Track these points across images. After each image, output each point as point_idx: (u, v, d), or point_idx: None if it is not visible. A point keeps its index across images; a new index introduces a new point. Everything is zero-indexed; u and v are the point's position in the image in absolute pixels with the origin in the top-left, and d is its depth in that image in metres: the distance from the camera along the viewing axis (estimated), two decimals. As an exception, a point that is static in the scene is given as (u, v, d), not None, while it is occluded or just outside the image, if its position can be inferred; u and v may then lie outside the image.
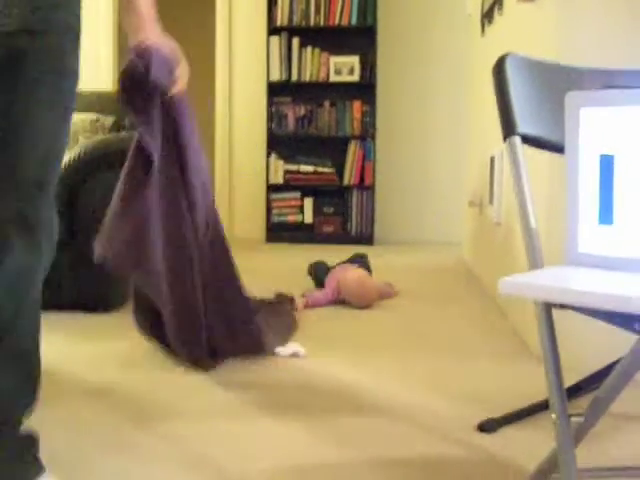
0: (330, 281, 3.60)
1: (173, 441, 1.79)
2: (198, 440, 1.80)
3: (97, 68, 6.17)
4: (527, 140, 1.26)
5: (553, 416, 1.05)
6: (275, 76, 6.04)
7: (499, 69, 1.27)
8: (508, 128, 1.24)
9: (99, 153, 3.21)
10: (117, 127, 3.79)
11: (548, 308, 1.08)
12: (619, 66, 1.36)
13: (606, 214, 1.09)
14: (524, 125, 1.24)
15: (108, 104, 3.94)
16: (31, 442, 1.44)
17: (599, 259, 1.11)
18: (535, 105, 1.26)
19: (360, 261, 3.87)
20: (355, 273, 3.49)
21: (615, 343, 2.36)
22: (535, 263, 1.12)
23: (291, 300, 3.27)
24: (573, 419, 1.07)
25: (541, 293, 0.93)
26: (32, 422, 1.70)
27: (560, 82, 1.28)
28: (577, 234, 1.13)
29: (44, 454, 1.47)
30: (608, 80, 1.27)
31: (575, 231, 1.12)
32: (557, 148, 1.26)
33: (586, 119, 1.10)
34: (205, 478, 1.58)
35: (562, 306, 1.08)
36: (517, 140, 1.23)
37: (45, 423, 1.87)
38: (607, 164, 1.10)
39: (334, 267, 3.78)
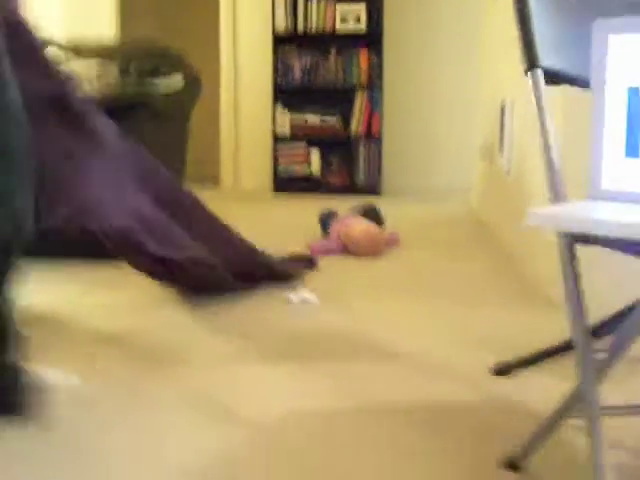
0: (334, 232, 3.58)
1: (184, 388, 1.79)
2: (209, 386, 1.79)
3: (98, 17, 6.09)
4: (550, 74, 1.22)
5: (577, 352, 1.03)
6: (280, 26, 5.95)
7: (520, 1, 1.23)
8: (529, 61, 1.20)
9: (106, 101, 3.17)
10: (123, 74, 3.74)
11: (571, 243, 1.06)
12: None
13: (633, 147, 1.06)
14: (547, 58, 1.20)
15: (113, 50, 3.88)
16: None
17: (622, 194, 1.09)
18: (559, 37, 1.22)
19: (371, 213, 3.84)
20: (361, 225, 3.46)
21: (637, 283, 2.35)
22: (558, 197, 1.10)
23: (309, 260, 3.14)
24: (596, 356, 1.05)
25: (567, 224, 0.91)
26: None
27: (585, 11, 1.23)
28: (601, 169, 1.10)
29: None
30: (635, 8, 1.23)
31: (599, 165, 1.09)
32: (582, 82, 1.22)
33: (614, 48, 1.06)
34: (214, 423, 1.58)
35: (586, 241, 1.06)
36: (539, 73, 1.20)
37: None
38: (633, 96, 1.07)
39: (340, 217, 3.76)
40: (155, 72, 3.69)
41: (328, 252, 3.43)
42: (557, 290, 2.50)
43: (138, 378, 1.83)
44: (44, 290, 2.60)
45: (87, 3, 6.11)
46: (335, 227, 3.61)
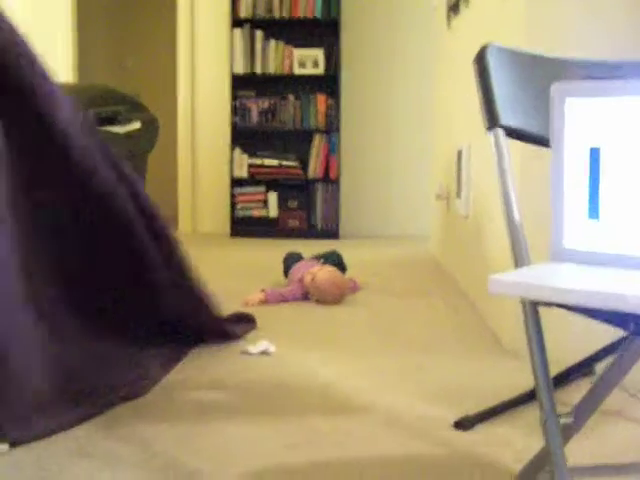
0: (294, 277, 3.56)
1: (142, 445, 1.73)
2: (168, 443, 1.74)
3: (55, 62, 6.05)
4: (510, 132, 1.22)
5: (542, 416, 1.02)
6: (239, 69, 5.97)
7: (480, 59, 1.24)
8: (491, 120, 1.21)
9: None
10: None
11: (535, 306, 1.05)
12: (593, 57, 1.34)
13: (594, 208, 1.06)
14: (507, 117, 1.21)
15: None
16: None
17: (585, 255, 1.08)
18: (518, 96, 1.23)
19: (334, 260, 3.82)
20: (326, 271, 3.44)
21: (593, 335, 2.36)
22: (521, 259, 1.09)
23: (251, 320, 2.91)
24: (562, 419, 1.04)
25: (531, 293, 0.90)
26: None
27: (544, 73, 1.24)
28: (563, 229, 1.10)
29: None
30: (591, 71, 1.25)
31: (561, 226, 1.09)
32: (541, 141, 1.23)
33: (572, 110, 1.07)
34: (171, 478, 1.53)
35: (548, 304, 1.06)
36: (500, 132, 1.20)
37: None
38: (594, 157, 1.08)
39: (302, 261, 3.75)
40: (112, 118, 3.67)
41: (285, 299, 3.40)
42: (514, 338, 2.51)
43: (94, 435, 1.77)
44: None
45: (44, 47, 6.06)
46: (296, 271, 3.59)
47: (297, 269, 3.61)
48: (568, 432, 1.13)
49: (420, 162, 6.13)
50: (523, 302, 1.06)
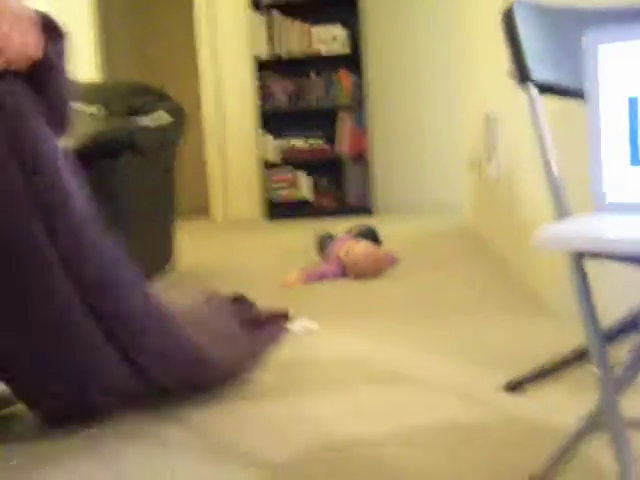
0: (332, 255, 3.56)
1: (193, 428, 1.75)
2: (225, 427, 1.76)
3: (78, 59, 6.08)
4: (543, 87, 1.21)
5: (594, 369, 1.01)
6: (261, 52, 5.96)
7: (507, 16, 1.22)
8: (522, 75, 1.19)
9: (92, 143, 3.15)
10: (106, 115, 3.73)
11: (580, 259, 1.04)
12: (630, 5, 1.31)
13: (636, 155, 1.04)
14: (538, 71, 1.19)
15: (95, 93, 3.87)
16: None
17: (628, 205, 1.07)
18: (549, 50, 1.21)
19: (368, 233, 3.82)
20: (362, 246, 3.44)
21: (637, 290, 2.33)
22: (563, 212, 1.08)
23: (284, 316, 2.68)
24: (615, 370, 1.03)
25: (578, 245, 0.89)
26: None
27: (573, 25, 1.22)
28: (602, 180, 1.08)
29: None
30: (622, 17, 1.22)
31: (600, 177, 1.08)
32: (575, 93, 1.21)
33: (606, 58, 1.05)
34: (234, 468, 1.54)
35: (594, 255, 1.04)
36: (532, 87, 1.18)
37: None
38: (633, 105, 1.06)
39: (336, 238, 3.75)
40: (139, 110, 3.68)
41: (323, 277, 3.40)
42: (554, 297, 2.49)
43: (144, 418, 1.80)
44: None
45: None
46: (333, 249, 3.59)
47: (333, 247, 3.62)
48: (622, 384, 1.12)
49: (449, 130, 6.08)
50: (568, 256, 1.05)
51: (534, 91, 1.18)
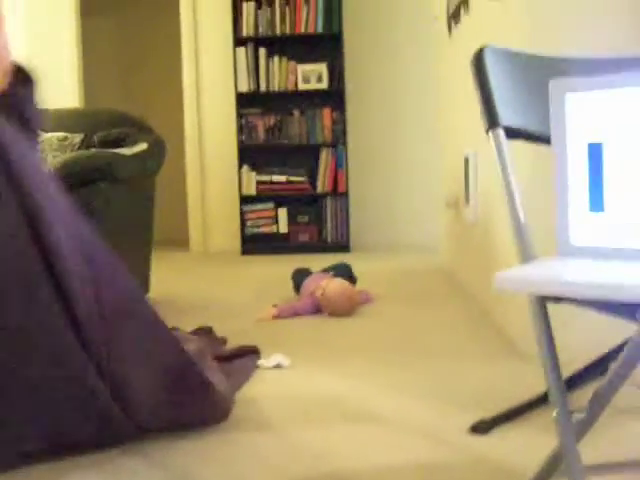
0: (306, 291, 3.56)
1: (156, 458, 1.74)
2: (191, 461, 1.74)
3: (61, 87, 6.10)
4: (511, 133, 1.23)
5: (554, 413, 1.02)
6: (243, 87, 6.00)
7: (478, 61, 1.24)
8: (491, 120, 1.21)
9: (70, 171, 3.15)
10: (86, 144, 3.74)
11: (543, 302, 1.05)
12: (596, 55, 1.34)
13: (597, 201, 1.06)
14: (507, 117, 1.21)
15: (75, 121, 3.88)
16: None
17: (592, 250, 1.08)
18: (517, 97, 1.23)
19: (343, 271, 3.83)
20: (336, 285, 3.44)
21: (606, 333, 2.34)
22: (527, 256, 1.09)
23: (254, 351, 2.67)
24: (575, 415, 1.04)
25: (538, 287, 0.90)
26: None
27: (541, 72, 1.25)
28: (568, 225, 1.10)
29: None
30: (590, 68, 1.25)
31: (566, 222, 1.09)
32: (542, 139, 1.23)
33: (571, 105, 1.07)
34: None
35: (556, 300, 1.05)
36: (501, 132, 1.20)
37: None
38: (594, 152, 1.08)
39: (311, 276, 3.75)
40: (119, 141, 3.69)
41: (296, 313, 3.40)
42: (529, 341, 2.50)
43: (110, 452, 1.78)
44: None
45: (51, 72, 6.12)
46: (308, 286, 3.59)
47: (308, 284, 3.62)
48: (582, 429, 1.12)
49: (428, 171, 6.13)
50: (531, 299, 1.06)
51: (502, 136, 1.20)
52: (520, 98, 1.24)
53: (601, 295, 0.82)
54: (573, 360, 1.67)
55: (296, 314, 3.39)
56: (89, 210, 2.88)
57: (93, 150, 3.54)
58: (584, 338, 2.15)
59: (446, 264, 4.86)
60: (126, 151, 3.62)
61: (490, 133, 1.22)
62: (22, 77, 1.82)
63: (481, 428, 1.84)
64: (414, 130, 6.24)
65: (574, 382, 1.75)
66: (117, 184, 3.43)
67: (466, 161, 3.76)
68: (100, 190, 3.24)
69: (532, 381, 2.20)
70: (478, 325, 3.06)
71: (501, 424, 1.88)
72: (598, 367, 1.76)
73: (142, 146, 3.77)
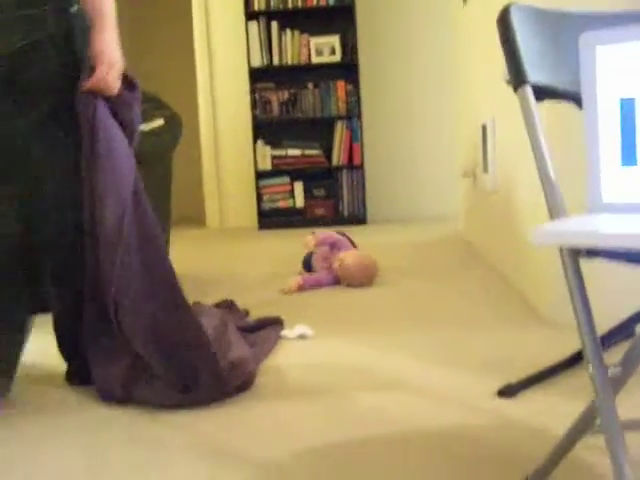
0: (318, 266, 3.56)
1: (188, 429, 1.75)
2: (217, 428, 1.76)
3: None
4: (539, 92, 1.21)
5: (589, 368, 1.01)
6: (256, 62, 5.98)
7: (503, 20, 1.23)
8: (518, 78, 1.19)
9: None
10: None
11: (575, 256, 1.04)
12: (628, 10, 1.32)
13: (629, 155, 1.05)
14: (535, 74, 1.20)
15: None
16: None
17: (624, 206, 1.08)
18: (545, 54, 1.22)
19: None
20: (353, 256, 3.44)
21: (633, 296, 2.34)
22: (558, 213, 1.08)
23: (277, 322, 2.67)
24: (610, 370, 1.03)
25: (574, 239, 0.89)
26: (51, 429, 1.66)
27: (570, 29, 1.23)
28: (600, 181, 1.09)
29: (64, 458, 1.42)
30: (622, 23, 1.23)
31: (598, 178, 1.09)
32: (572, 97, 1.22)
33: (602, 59, 1.06)
34: (226, 467, 1.54)
35: (590, 254, 1.05)
36: (528, 89, 1.19)
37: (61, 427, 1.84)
38: (628, 107, 1.07)
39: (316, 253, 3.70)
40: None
41: (320, 284, 3.41)
42: (551, 307, 2.50)
43: (141, 423, 1.79)
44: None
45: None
46: (319, 260, 3.58)
47: (317, 259, 3.61)
48: (616, 385, 1.12)
49: (444, 141, 6.11)
50: (563, 254, 1.06)
51: (530, 93, 1.19)
52: (548, 56, 1.22)
53: (638, 245, 0.82)
54: (600, 325, 1.67)
55: (319, 284, 3.40)
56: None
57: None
58: (612, 303, 2.15)
59: (464, 234, 4.85)
60: (143, 127, 3.62)
61: (518, 90, 1.20)
62: (128, 82, 2.06)
63: (508, 392, 1.84)
64: (429, 101, 6.20)
65: (607, 341, 1.74)
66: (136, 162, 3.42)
67: (483, 129, 3.74)
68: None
69: (556, 346, 2.20)
70: (499, 293, 3.06)
71: (528, 387, 1.88)
72: (627, 328, 1.76)
73: (159, 122, 3.76)
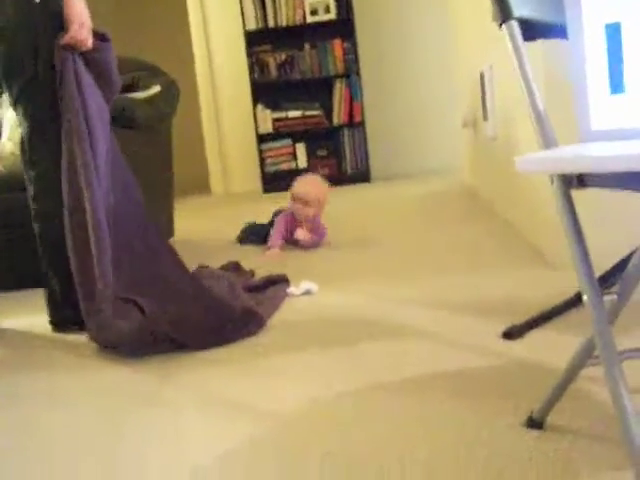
0: (278, 229, 3.52)
1: (199, 386, 1.77)
2: (229, 385, 1.78)
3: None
4: (526, 27, 1.20)
5: (585, 297, 1.02)
6: (251, 25, 5.93)
7: (486, -47, 1.21)
8: (504, 13, 1.18)
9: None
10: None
11: (566, 186, 1.04)
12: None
13: (617, 82, 1.04)
14: (519, 8, 1.19)
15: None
16: None
17: (614, 133, 1.07)
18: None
19: (259, 230, 3.74)
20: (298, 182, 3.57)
21: (634, 236, 2.33)
22: (548, 143, 1.08)
23: (283, 279, 2.67)
24: (606, 297, 1.04)
25: (562, 164, 0.89)
26: (63, 391, 1.68)
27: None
28: (588, 109, 1.08)
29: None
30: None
31: (586, 107, 1.08)
32: (556, 31, 1.21)
33: (586, -14, 1.05)
34: (242, 422, 1.56)
35: (581, 183, 1.05)
36: (514, 24, 1.18)
37: (72, 389, 1.86)
38: (614, 32, 1.05)
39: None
40: (132, 86, 3.67)
41: (284, 236, 3.45)
42: (556, 250, 2.50)
43: (147, 379, 1.81)
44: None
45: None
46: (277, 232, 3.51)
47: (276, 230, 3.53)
48: (614, 311, 1.12)
49: (444, 93, 6.06)
50: (554, 186, 1.05)
51: (516, 29, 1.18)
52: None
53: (629, 166, 0.81)
54: (599, 264, 1.67)
55: (284, 237, 3.44)
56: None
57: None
58: (611, 240, 2.14)
59: (468, 184, 4.83)
60: (140, 95, 3.61)
61: (504, 26, 1.19)
62: (100, 36, 2.31)
63: (513, 333, 1.85)
64: (426, 55, 6.15)
65: (606, 280, 1.75)
66: (133, 129, 3.42)
67: (481, 77, 3.71)
68: (116, 136, 3.22)
69: (561, 287, 2.20)
70: (504, 238, 3.06)
71: (533, 328, 1.88)
72: (621, 268, 1.76)
73: (155, 89, 3.75)
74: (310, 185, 3.48)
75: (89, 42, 2.26)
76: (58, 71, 2.23)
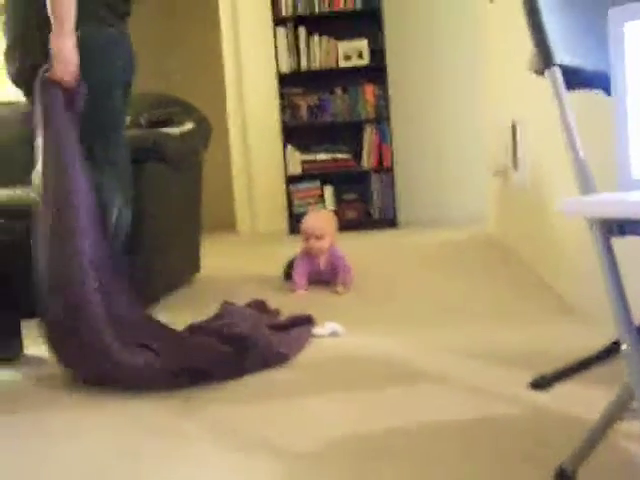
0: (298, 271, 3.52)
1: (218, 423, 1.75)
2: (251, 422, 1.76)
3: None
4: (567, 73, 1.20)
5: (623, 347, 1.00)
6: (284, 67, 6.00)
7: (529, 1, 1.22)
8: (546, 59, 1.19)
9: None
10: (133, 126, 3.77)
11: (606, 232, 1.03)
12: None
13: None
14: (562, 55, 1.19)
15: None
16: None
17: (655, 183, 1.06)
18: (573, 33, 1.21)
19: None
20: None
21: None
22: (588, 190, 1.07)
23: (309, 320, 2.66)
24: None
25: (607, 208, 0.88)
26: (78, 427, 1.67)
27: (597, 6, 1.22)
28: (629, 158, 1.08)
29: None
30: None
31: (627, 154, 1.07)
32: (599, 81, 1.21)
33: (632, 35, 1.05)
34: (261, 458, 1.54)
35: (620, 230, 1.04)
36: (557, 70, 1.18)
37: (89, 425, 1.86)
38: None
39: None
40: (167, 121, 3.72)
41: (305, 273, 3.47)
42: (585, 302, 2.47)
43: (167, 414, 1.80)
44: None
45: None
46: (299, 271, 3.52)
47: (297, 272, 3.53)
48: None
49: (473, 143, 6.07)
50: (593, 232, 1.05)
51: (558, 73, 1.18)
52: (576, 34, 1.22)
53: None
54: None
55: (305, 274, 3.47)
56: (137, 189, 2.91)
57: (141, 132, 3.57)
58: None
59: (495, 233, 4.81)
60: (174, 130, 3.65)
61: (546, 72, 1.19)
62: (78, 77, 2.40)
63: (542, 383, 1.82)
64: (457, 103, 6.18)
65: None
66: (165, 164, 3.45)
67: (513, 127, 3.72)
68: (148, 168, 3.26)
69: (589, 340, 2.17)
70: (532, 288, 3.03)
71: (561, 380, 1.86)
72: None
73: (189, 125, 3.80)
74: (316, 219, 3.57)
75: (71, 82, 2.36)
76: (38, 94, 2.35)
